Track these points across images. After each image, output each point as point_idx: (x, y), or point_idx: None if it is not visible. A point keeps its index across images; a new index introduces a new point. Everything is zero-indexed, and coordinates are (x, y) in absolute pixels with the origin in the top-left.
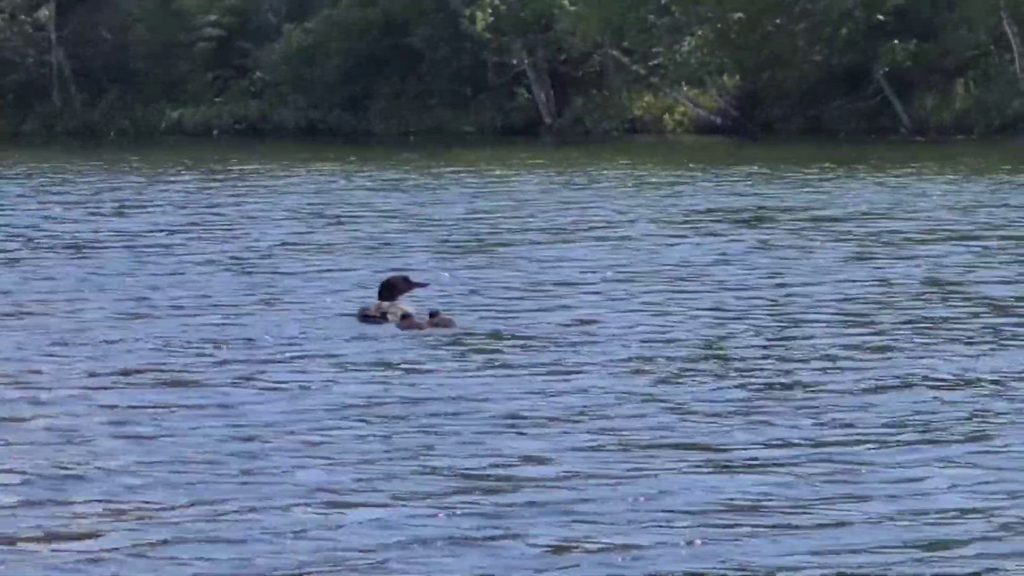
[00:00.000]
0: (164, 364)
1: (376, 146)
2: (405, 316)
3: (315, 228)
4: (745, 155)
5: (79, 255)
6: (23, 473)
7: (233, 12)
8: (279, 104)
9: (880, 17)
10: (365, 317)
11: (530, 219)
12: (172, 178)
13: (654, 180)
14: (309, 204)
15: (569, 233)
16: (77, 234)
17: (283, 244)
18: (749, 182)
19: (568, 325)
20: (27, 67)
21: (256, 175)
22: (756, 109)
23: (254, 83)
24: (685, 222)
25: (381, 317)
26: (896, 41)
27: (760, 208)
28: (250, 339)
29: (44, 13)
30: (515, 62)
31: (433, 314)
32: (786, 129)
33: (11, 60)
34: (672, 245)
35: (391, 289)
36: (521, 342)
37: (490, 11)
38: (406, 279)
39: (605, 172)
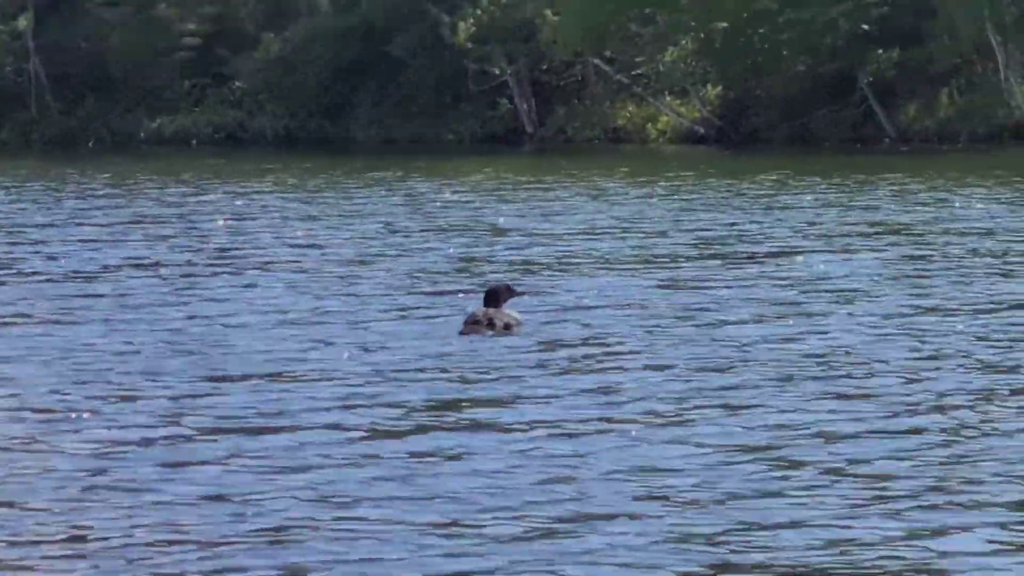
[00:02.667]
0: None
1: (387, 155)
2: (508, 325)
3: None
4: (777, 165)
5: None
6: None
7: (211, 20)
8: (258, 112)
9: (864, 26)
10: (472, 323)
11: (659, 235)
12: (252, 189)
13: (746, 193)
14: (409, 216)
15: (707, 248)
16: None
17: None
18: (841, 195)
19: (776, 347)
20: (4, 76)
21: (332, 186)
22: (740, 119)
23: (232, 92)
24: (823, 237)
25: (488, 324)
26: (880, 50)
27: (880, 224)
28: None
29: (22, 22)
30: (496, 71)
31: (507, 325)
32: (770, 139)
33: None
34: (832, 262)
35: (495, 296)
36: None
37: (471, 20)
38: (509, 287)
39: (691, 184)
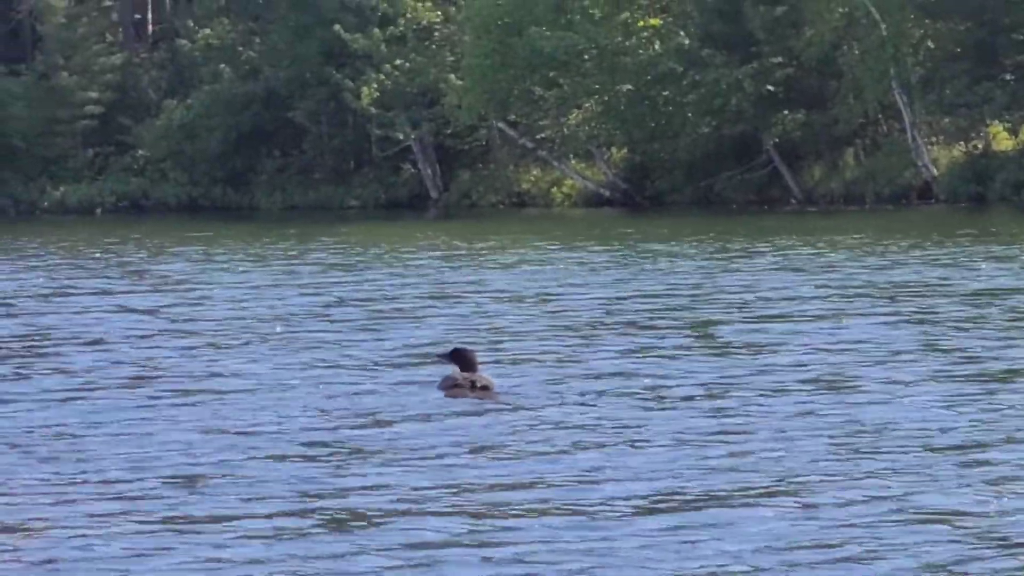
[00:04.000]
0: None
1: (301, 221)
2: (484, 387)
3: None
4: (721, 228)
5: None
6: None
7: (113, 88)
8: (161, 180)
9: (769, 88)
10: (453, 386)
11: (698, 296)
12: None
13: (714, 257)
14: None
15: (749, 310)
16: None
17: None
18: (797, 258)
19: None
20: None
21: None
22: (645, 181)
23: (135, 160)
24: (817, 300)
25: (471, 388)
26: (785, 111)
27: (899, 284)
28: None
29: None
30: (400, 136)
31: (484, 387)
32: (676, 201)
33: None
34: (848, 327)
35: (466, 358)
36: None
37: (375, 86)
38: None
39: (676, 250)
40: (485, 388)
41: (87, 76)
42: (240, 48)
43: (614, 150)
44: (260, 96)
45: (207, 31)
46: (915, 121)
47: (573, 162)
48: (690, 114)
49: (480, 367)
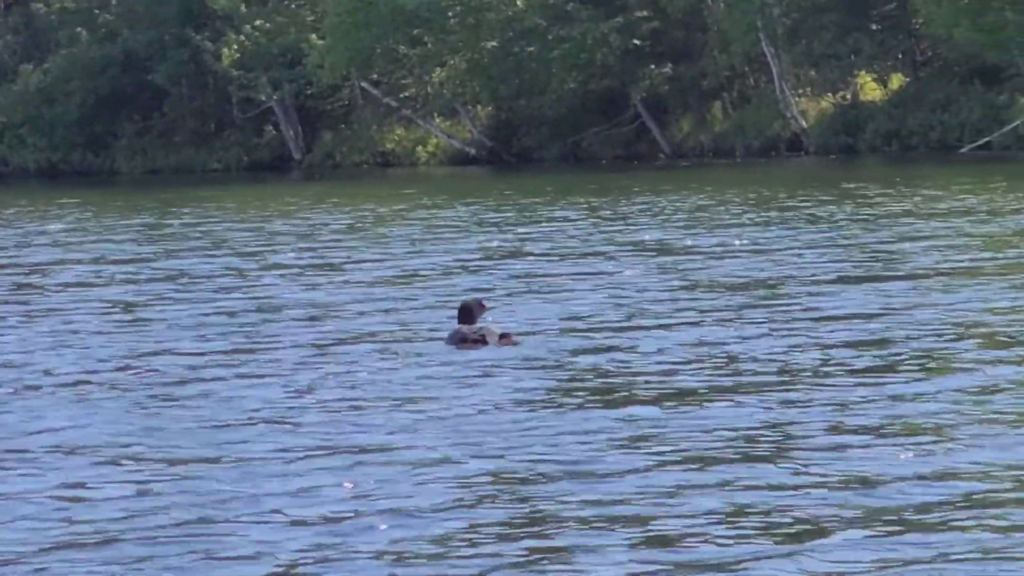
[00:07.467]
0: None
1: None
2: (503, 336)
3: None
4: (678, 180)
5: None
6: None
7: None
8: (19, 146)
9: (636, 42)
10: (463, 340)
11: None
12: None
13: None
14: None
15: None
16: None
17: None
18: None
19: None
20: None
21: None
22: (511, 138)
23: None
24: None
25: (481, 340)
26: (652, 66)
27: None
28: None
29: None
30: (262, 98)
31: (503, 335)
32: (543, 158)
33: None
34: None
35: (470, 312)
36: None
37: (235, 47)
38: (480, 303)
39: (659, 201)
40: (505, 336)
41: None
42: (96, 11)
43: (479, 107)
44: (118, 59)
45: None
46: (783, 73)
47: (438, 120)
48: (556, 70)
49: (483, 318)
